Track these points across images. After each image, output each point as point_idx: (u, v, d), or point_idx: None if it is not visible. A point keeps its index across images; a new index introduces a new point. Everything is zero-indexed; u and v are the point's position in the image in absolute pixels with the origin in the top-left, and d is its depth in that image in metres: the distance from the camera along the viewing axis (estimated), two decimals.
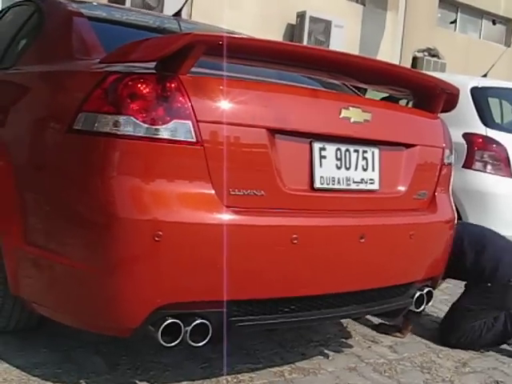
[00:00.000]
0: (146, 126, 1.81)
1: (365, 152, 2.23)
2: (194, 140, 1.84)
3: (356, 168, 2.20)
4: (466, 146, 4.14)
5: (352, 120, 2.14)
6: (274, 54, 2.02)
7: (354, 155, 2.20)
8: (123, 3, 8.56)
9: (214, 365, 2.33)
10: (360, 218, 2.20)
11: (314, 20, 10.53)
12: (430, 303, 2.53)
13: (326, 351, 2.63)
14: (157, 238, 1.78)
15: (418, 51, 12.69)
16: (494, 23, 14.31)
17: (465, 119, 4.17)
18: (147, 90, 1.82)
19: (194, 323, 1.86)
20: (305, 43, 10.06)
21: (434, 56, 12.68)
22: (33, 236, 2.06)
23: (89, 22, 2.41)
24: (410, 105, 2.75)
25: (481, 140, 4.16)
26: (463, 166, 4.10)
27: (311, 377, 2.37)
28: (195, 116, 1.84)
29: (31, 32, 2.69)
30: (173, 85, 1.83)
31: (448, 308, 3.13)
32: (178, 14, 3.35)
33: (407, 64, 11.99)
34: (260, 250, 1.94)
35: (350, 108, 2.13)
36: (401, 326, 2.95)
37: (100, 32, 2.34)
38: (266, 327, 2.32)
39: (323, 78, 2.54)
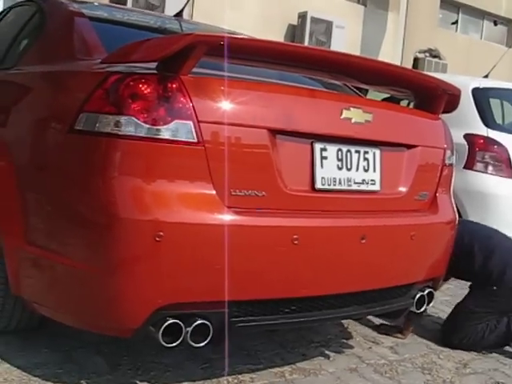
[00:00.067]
0: (147, 126, 1.81)
1: (366, 153, 2.23)
2: (195, 140, 1.84)
3: (357, 169, 2.20)
4: (467, 146, 4.14)
5: (353, 121, 2.14)
6: (275, 54, 2.02)
7: (355, 156, 2.20)
8: (125, 3, 8.57)
9: (215, 365, 2.33)
10: (361, 219, 2.19)
11: (315, 21, 10.54)
12: (430, 304, 2.53)
13: (326, 352, 2.63)
14: (158, 239, 1.78)
15: (420, 52, 12.68)
16: (495, 24, 14.29)
17: (466, 120, 4.16)
18: (148, 90, 1.82)
19: (195, 324, 1.86)
20: (306, 44, 10.07)
21: (435, 57, 12.68)
22: (34, 236, 2.06)
23: (90, 23, 2.41)
24: (412, 105, 2.75)
25: (482, 141, 4.16)
26: (464, 167, 4.10)
27: (312, 377, 2.37)
28: (196, 116, 1.84)
29: (33, 32, 2.69)
30: (174, 85, 1.83)
31: (449, 309, 3.13)
32: (179, 14, 3.35)
33: (408, 65, 11.98)
34: (261, 250, 1.94)
35: (352, 109, 2.13)
36: (402, 326, 2.94)
37: (101, 32, 2.34)
38: (266, 328, 2.32)
39: (324, 78, 2.54)
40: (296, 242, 1.96)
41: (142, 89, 1.82)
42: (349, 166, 2.18)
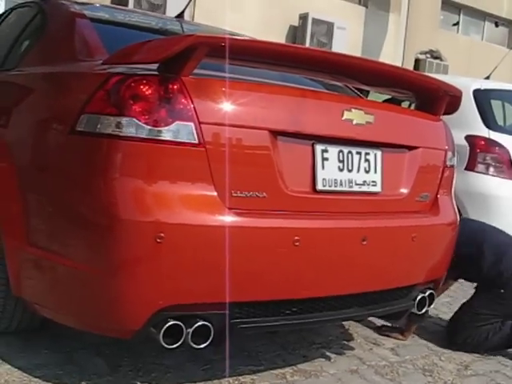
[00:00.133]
0: (148, 127, 1.81)
1: (367, 154, 2.23)
2: (197, 142, 1.84)
3: (358, 170, 2.20)
4: (468, 148, 4.14)
5: (354, 122, 2.14)
6: (276, 55, 2.02)
7: (356, 157, 2.20)
8: (126, 4, 8.58)
9: (216, 367, 2.33)
10: (362, 220, 2.19)
11: (316, 22, 10.54)
12: (431, 306, 2.52)
13: (327, 353, 2.62)
14: (159, 240, 1.78)
15: (421, 53, 12.68)
16: (496, 25, 14.28)
17: (467, 121, 4.16)
18: (150, 91, 1.82)
19: (196, 325, 1.85)
20: (307, 45, 10.06)
21: (436, 58, 12.68)
22: (35, 237, 2.06)
23: (91, 24, 2.42)
24: (413, 107, 2.74)
25: (483, 142, 4.16)
26: (465, 169, 4.10)
27: (313, 379, 2.37)
28: (197, 117, 1.84)
29: (34, 33, 2.69)
30: (175, 86, 1.83)
31: (450, 310, 3.14)
32: (180, 15, 3.36)
33: (410, 66, 11.98)
34: (262, 251, 1.94)
35: (353, 110, 2.13)
36: (403, 328, 2.94)
37: (102, 33, 2.34)
38: (267, 329, 2.32)
39: (325, 79, 2.54)
40: (297, 243, 1.96)
41: (144, 90, 1.82)
42: (350, 168, 2.18)
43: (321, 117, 2.11)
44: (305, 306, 2.11)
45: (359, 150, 2.20)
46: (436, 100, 2.48)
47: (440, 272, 2.57)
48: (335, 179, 2.13)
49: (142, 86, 1.83)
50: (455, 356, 2.81)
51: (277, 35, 10.22)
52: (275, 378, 2.33)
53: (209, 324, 1.87)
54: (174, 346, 1.85)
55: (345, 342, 2.79)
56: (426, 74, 3.89)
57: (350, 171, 2.18)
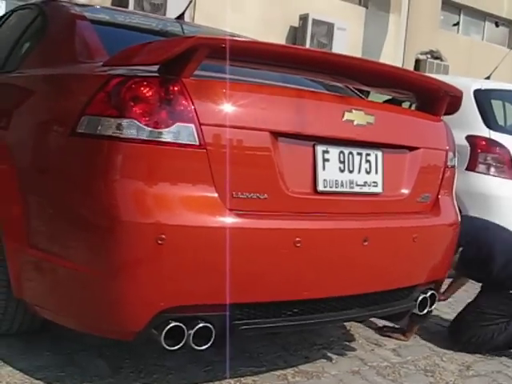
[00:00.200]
0: (148, 129, 1.81)
1: (368, 155, 2.23)
2: (197, 143, 1.84)
3: (359, 171, 2.20)
4: (469, 148, 4.13)
5: (355, 123, 2.14)
6: (276, 56, 2.02)
7: (357, 158, 2.20)
8: (126, 6, 8.59)
9: (217, 368, 2.33)
10: (363, 221, 2.19)
11: (316, 23, 10.54)
12: (433, 306, 2.52)
13: (329, 354, 2.62)
14: (160, 242, 1.78)
15: (421, 53, 12.68)
16: (496, 25, 14.28)
17: (468, 122, 4.16)
18: (150, 93, 1.82)
19: (197, 327, 1.85)
20: (307, 46, 10.08)
21: (436, 58, 12.68)
22: (36, 239, 2.06)
23: (92, 25, 2.42)
24: (413, 107, 2.74)
25: (484, 142, 4.15)
26: (466, 169, 4.10)
27: (314, 380, 2.36)
28: (198, 119, 1.84)
29: (34, 35, 2.69)
30: (176, 88, 1.83)
31: (451, 310, 3.15)
32: (180, 16, 3.36)
33: (410, 66, 11.99)
34: (263, 253, 1.94)
35: (353, 111, 2.13)
36: (404, 328, 2.94)
37: (103, 35, 2.34)
38: (269, 330, 2.31)
39: (326, 80, 2.54)
40: (298, 244, 1.96)
41: (144, 92, 1.82)
42: (351, 168, 2.18)
43: (321, 118, 2.11)
44: (306, 307, 2.10)
45: (360, 150, 2.20)
46: (437, 100, 2.48)
47: (441, 272, 2.57)
48: (336, 180, 2.13)
49: (142, 88, 1.83)
50: (457, 357, 2.80)
51: (277, 36, 10.23)
52: (277, 379, 2.33)
53: (210, 325, 1.87)
54: (176, 347, 1.85)
55: (346, 343, 2.79)
56: (427, 74, 3.88)
57: (350, 172, 2.17)
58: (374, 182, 2.25)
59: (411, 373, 2.56)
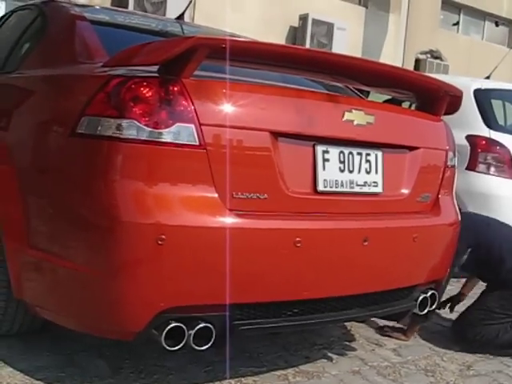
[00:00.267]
0: (148, 129, 1.81)
1: (368, 155, 2.23)
2: (197, 143, 1.84)
3: (359, 171, 2.20)
4: (469, 148, 4.13)
5: (355, 123, 2.14)
6: (276, 56, 2.02)
7: (357, 158, 2.20)
8: (126, 6, 8.58)
9: (218, 368, 2.33)
10: (363, 221, 2.19)
11: (316, 22, 10.54)
12: (434, 306, 2.52)
13: (329, 354, 2.62)
14: (160, 242, 1.78)
15: (421, 53, 12.68)
16: (496, 25, 14.28)
17: (468, 121, 4.16)
18: (150, 93, 1.82)
19: (198, 327, 1.85)
20: (307, 46, 10.07)
21: (436, 58, 12.67)
22: (36, 239, 2.06)
23: (91, 26, 2.42)
24: (413, 107, 2.74)
25: (484, 142, 4.15)
26: (466, 168, 4.09)
27: (315, 380, 2.36)
28: (198, 119, 1.84)
29: (34, 36, 2.69)
30: (176, 88, 1.83)
31: (450, 310, 3.14)
32: (180, 17, 3.36)
33: (410, 66, 11.98)
34: (263, 253, 1.94)
35: (353, 111, 2.13)
36: (405, 328, 2.94)
37: (103, 36, 2.34)
38: (269, 330, 2.31)
39: (326, 80, 2.54)
40: (298, 244, 1.96)
41: (144, 92, 1.82)
42: (351, 168, 2.18)
43: (321, 118, 2.11)
44: (306, 307, 2.10)
45: (360, 150, 2.20)
46: (436, 100, 2.48)
47: (441, 272, 2.57)
48: (336, 180, 2.13)
49: (142, 88, 1.83)
50: (457, 356, 2.80)
51: (277, 36, 10.22)
52: (277, 379, 2.33)
53: (210, 326, 1.87)
54: (176, 347, 1.85)
55: (347, 343, 2.79)
56: (427, 74, 3.88)
57: (350, 172, 2.17)
58: (374, 182, 2.24)
59: (412, 373, 2.56)
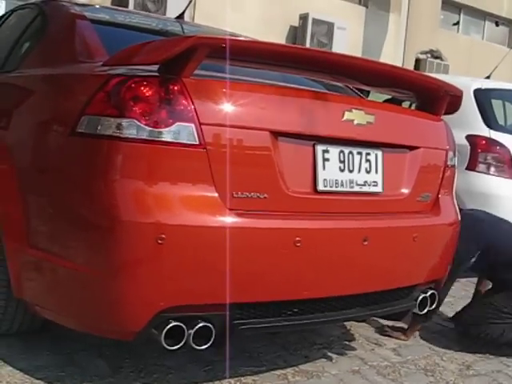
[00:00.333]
0: (148, 128, 1.81)
1: (368, 154, 2.23)
2: (197, 143, 1.84)
3: (359, 170, 2.20)
4: (469, 147, 4.13)
5: (355, 122, 2.14)
6: (276, 56, 2.02)
7: (357, 157, 2.20)
8: (126, 6, 8.58)
9: (217, 368, 2.33)
10: (363, 221, 2.19)
11: (316, 22, 10.54)
12: (434, 306, 2.52)
13: (329, 354, 2.62)
14: (160, 241, 1.78)
15: (421, 53, 12.68)
16: (496, 25, 14.27)
17: (468, 121, 4.16)
18: (150, 92, 1.82)
19: (197, 326, 1.85)
20: (307, 45, 10.07)
21: (436, 58, 12.67)
22: (36, 239, 2.06)
23: (92, 25, 2.42)
24: (413, 107, 2.74)
25: (484, 142, 4.15)
26: (467, 168, 4.09)
27: (315, 380, 2.36)
28: (198, 119, 1.84)
29: (34, 35, 2.69)
30: (176, 87, 1.83)
31: (451, 310, 3.14)
32: (180, 16, 3.36)
33: (410, 66, 11.98)
34: (263, 252, 1.94)
35: (353, 110, 2.13)
36: (405, 328, 2.94)
37: (103, 35, 2.34)
38: (269, 330, 2.31)
39: (326, 80, 2.54)
40: (298, 244, 1.96)
41: (144, 91, 1.82)
42: (351, 168, 2.18)
43: (321, 117, 2.11)
44: (306, 306, 2.11)
45: (360, 150, 2.20)
46: (437, 100, 2.48)
47: (441, 272, 2.57)
48: (336, 180, 2.13)
49: (142, 88, 1.83)
50: (457, 356, 2.80)
51: (277, 35, 10.22)
52: (277, 378, 2.33)
53: (210, 325, 1.87)
54: (176, 347, 1.85)
55: (346, 343, 2.79)
56: (427, 73, 3.88)
57: (350, 171, 2.17)
58: (374, 182, 2.24)
59: (411, 372, 2.56)
